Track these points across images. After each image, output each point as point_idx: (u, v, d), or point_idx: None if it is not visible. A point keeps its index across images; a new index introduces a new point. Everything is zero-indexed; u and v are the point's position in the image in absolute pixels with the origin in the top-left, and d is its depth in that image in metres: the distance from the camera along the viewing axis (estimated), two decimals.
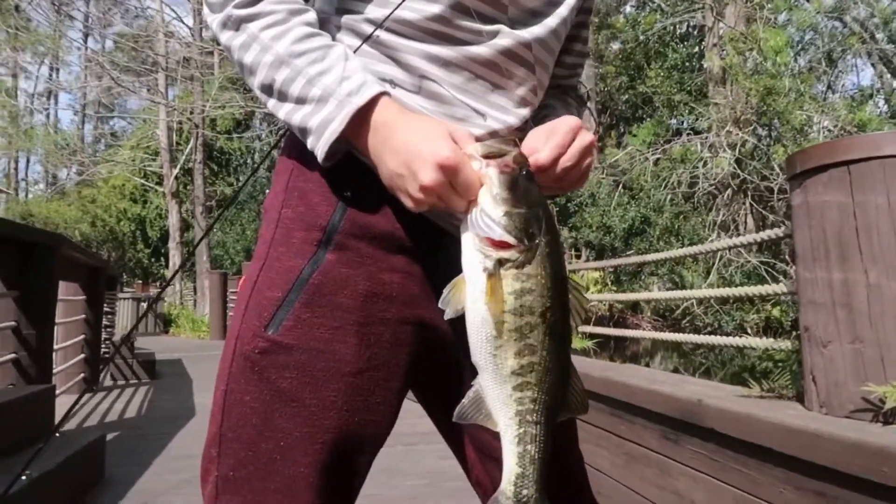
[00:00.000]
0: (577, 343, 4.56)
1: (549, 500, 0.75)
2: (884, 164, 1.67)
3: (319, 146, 0.76)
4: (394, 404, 0.84)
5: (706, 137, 11.74)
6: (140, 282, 22.95)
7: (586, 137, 0.78)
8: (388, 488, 2.91)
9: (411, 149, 0.73)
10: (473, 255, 0.73)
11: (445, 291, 0.73)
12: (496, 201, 0.72)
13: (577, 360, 3.19)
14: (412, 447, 3.43)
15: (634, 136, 13.80)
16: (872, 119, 11.09)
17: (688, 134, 13.36)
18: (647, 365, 8.03)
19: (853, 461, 1.41)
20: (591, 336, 5.15)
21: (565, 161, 0.77)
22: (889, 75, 17.27)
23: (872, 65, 17.74)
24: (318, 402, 0.78)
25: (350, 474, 0.82)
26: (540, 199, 0.75)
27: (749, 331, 8.55)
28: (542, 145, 0.77)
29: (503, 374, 0.72)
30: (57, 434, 2.47)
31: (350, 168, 0.81)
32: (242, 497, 0.77)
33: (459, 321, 0.75)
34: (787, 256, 9.54)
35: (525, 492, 0.73)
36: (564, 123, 0.78)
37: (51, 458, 2.62)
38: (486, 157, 0.74)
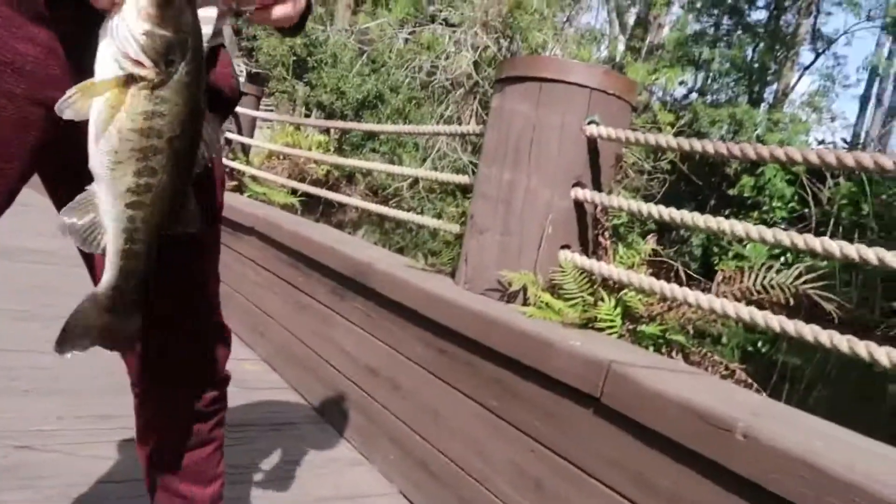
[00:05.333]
0: (280, 197, 4.56)
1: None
2: (567, 88, 1.90)
3: None
4: (9, 188, 0.77)
5: (455, 31, 12.11)
6: None
7: None
8: (40, 307, 2.68)
9: None
10: (107, 64, 0.69)
11: (70, 93, 0.68)
12: (140, 16, 0.68)
13: (274, 213, 3.21)
14: (70, 269, 3.17)
15: (389, 10, 13.63)
16: (591, 60, 12.46)
17: (440, 24, 13.62)
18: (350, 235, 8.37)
19: (474, 327, 1.68)
20: (302, 194, 5.18)
21: None
22: (617, 24, 19.41)
23: (608, 11, 19.71)
24: None
25: None
26: (193, 28, 0.72)
27: (445, 219, 9.38)
28: None
29: (119, 190, 0.72)
30: None
31: None
32: None
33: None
34: None
35: (120, 299, 0.77)
36: None
37: None
38: None
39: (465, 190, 9.51)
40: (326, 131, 7.78)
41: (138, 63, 0.69)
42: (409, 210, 10.12)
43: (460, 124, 12.32)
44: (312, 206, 7.82)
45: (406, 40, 12.72)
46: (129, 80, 0.69)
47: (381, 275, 2.07)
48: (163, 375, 0.97)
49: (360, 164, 4.46)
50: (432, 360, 1.81)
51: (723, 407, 1.10)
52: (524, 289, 1.86)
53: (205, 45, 0.85)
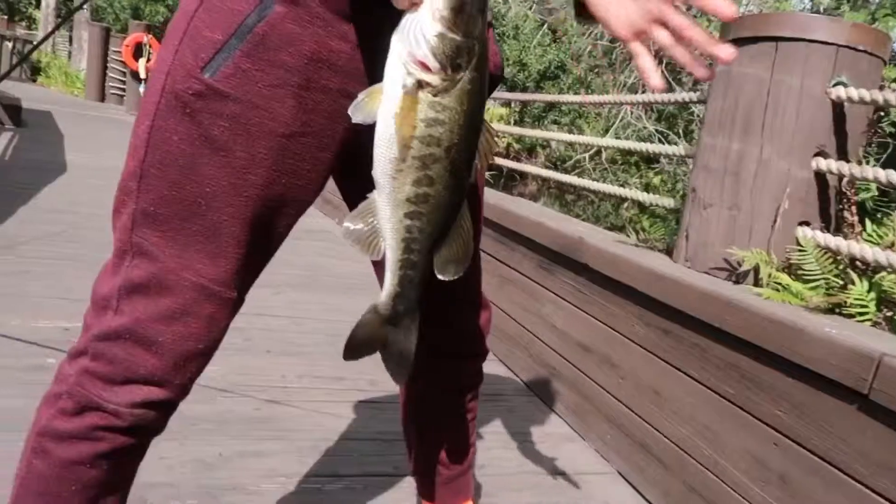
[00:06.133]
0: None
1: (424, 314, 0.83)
2: (809, 47, 1.71)
3: None
4: (322, 174, 0.83)
5: None
6: (4, 17, 20.28)
7: None
8: (270, 275, 2.95)
9: None
10: (396, 68, 0.70)
11: (360, 96, 0.70)
12: (434, 17, 0.67)
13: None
14: (297, 241, 3.47)
15: None
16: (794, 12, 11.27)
17: None
18: None
19: (702, 307, 1.58)
20: (489, 167, 5.26)
21: None
22: None
23: None
24: (248, 157, 0.75)
25: (270, 232, 0.82)
26: (481, 34, 0.70)
27: (631, 190, 9.02)
28: None
29: (398, 199, 0.72)
30: None
31: None
32: (162, 233, 0.76)
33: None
34: (680, 130, 9.93)
35: (400, 308, 0.80)
36: None
37: None
38: None
39: (649, 160, 9.09)
40: (507, 104, 7.80)
41: (424, 66, 0.68)
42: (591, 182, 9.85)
43: (644, 92, 11.76)
44: (494, 180, 7.94)
45: None
46: (417, 86, 0.69)
47: (593, 250, 2.02)
48: (442, 345, 1.01)
49: (543, 134, 4.41)
50: (653, 340, 1.74)
51: None
52: (755, 269, 1.72)
53: None
